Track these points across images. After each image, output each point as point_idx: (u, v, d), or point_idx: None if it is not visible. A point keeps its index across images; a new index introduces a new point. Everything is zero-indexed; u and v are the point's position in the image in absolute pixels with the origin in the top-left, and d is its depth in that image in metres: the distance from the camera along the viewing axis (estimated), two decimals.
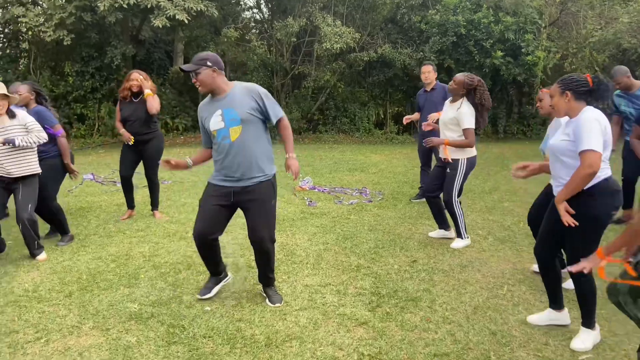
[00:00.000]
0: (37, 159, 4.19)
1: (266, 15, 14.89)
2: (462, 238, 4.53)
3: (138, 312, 3.19)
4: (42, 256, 4.19)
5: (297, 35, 12.44)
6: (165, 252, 4.35)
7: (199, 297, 3.37)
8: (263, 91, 3.12)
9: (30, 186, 4.13)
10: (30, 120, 4.10)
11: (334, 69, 12.92)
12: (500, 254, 4.33)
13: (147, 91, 5.07)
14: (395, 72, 13.18)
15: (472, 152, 4.43)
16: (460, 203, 4.49)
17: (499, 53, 11.79)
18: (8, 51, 13.01)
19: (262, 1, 14.49)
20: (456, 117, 4.34)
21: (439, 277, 3.80)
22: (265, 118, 3.14)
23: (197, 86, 3.07)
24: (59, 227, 4.69)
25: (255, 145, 3.08)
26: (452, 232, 4.76)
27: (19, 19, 10.49)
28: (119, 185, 6.93)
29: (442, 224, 4.77)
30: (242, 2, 14.95)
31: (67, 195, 6.59)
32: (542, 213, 3.14)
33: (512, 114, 14.34)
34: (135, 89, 5.13)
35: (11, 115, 4.03)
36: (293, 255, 4.28)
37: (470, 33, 11.99)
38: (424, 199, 6.21)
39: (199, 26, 12.68)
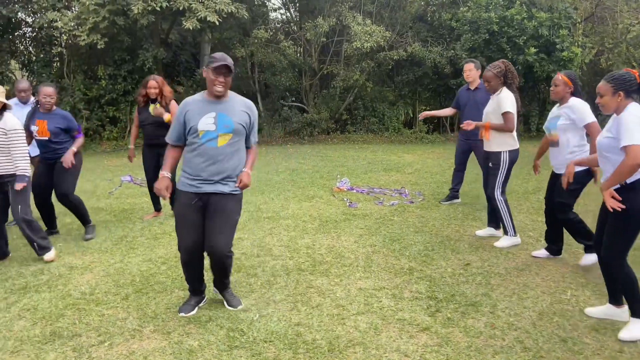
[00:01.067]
0: (27, 161, 4.01)
1: (294, 16, 14.87)
2: (508, 235, 4.45)
3: (196, 316, 3.17)
4: (48, 256, 4.14)
5: (326, 35, 12.39)
6: None
7: (181, 314, 3.17)
8: (256, 112, 3.20)
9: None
10: (12, 128, 3.92)
11: (362, 68, 12.82)
12: (557, 256, 4.19)
13: (166, 116, 5.09)
14: (425, 70, 13.02)
15: (514, 145, 4.39)
16: (505, 200, 4.43)
17: (532, 50, 11.54)
18: (42, 55, 13.27)
19: (289, 2, 14.48)
20: (497, 103, 4.32)
21: (496, 280, 3.70)
22: (247, 135, 3.18)
23: (219, 85, 2.97)
24: (80, 218, 4.86)
25: (237, 155, 3.10)
26: (500, 232, 4.67)
27: (53, 24, 10.67)
28: None
29: (492, 222, 4.73)
30: (268, 3, 14.98)
31: (108, 198, 6.67)
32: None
33: (545, 112, 14.03)
34: (153, 97, 5.19)
35: None
36: (342, 257, 4.22)
37: (502, 30, 11.76)
38: (454, 201, 6.09)
39: (228, 28, 12.71)
